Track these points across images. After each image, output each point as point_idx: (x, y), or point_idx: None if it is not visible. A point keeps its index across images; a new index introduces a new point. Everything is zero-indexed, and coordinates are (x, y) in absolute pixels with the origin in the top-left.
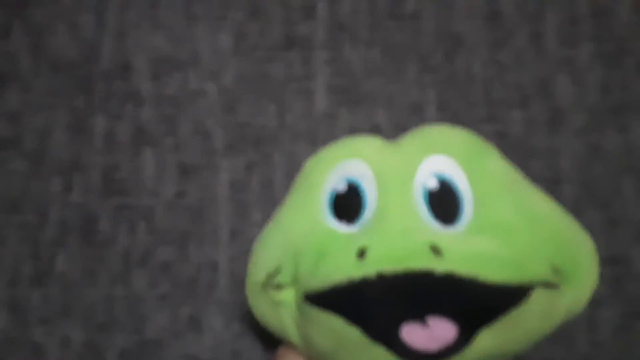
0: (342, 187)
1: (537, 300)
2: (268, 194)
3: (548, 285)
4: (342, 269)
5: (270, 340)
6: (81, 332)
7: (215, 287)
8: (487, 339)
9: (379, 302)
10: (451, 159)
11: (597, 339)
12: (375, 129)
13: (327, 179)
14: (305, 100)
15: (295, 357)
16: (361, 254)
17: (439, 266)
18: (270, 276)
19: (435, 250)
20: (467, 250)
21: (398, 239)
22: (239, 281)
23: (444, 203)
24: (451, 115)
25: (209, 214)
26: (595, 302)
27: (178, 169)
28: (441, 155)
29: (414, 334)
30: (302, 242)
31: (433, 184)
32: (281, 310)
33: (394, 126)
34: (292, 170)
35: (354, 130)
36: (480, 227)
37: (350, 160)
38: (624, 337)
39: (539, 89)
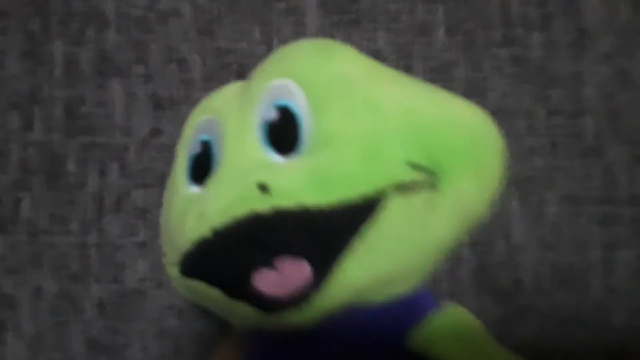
0: (197, 149)
1: (395, 207)
2: None
3: (405, 186)
4: (186, 235)
5: None
6: (54, 282)
7: None
8: (350, 267)
9: (221, 258)
10: (289, 80)
11: (612, 284)
12: (375, 55)
13: (188, 143)
14: (295, 21)
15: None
16: (200, 214)
17: (263, 205)
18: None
19: (263, 188)
20: (292, 179)
21: (227, 187)
22: None
23: (283, 132)
24: (463, 37)
25: None
26: (612, 244)
27: (151, 102)
28: (281, 79)
29: (266, 281)
30: (169, 215)
31: (272, 114)
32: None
33: (396, 51)
34: None
35: None
36: (315, 146)
37: (203, 119)
38: None
39: (562, 7)
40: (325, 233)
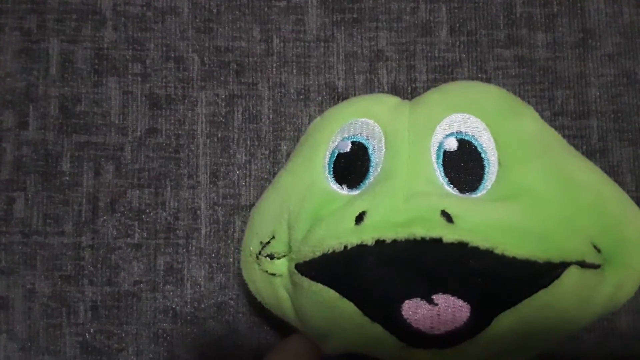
0: (346, 147)
1: (570, 282)
2: (253, 130)
3: (585, 265)
4: (337, 234)
5: None
6: (47, 283)
7: (195, 236)
8: (507, 324)
9: (376, 273)
10: (476, 118)
11: None
12: (376, 55)
13: (332, 138)
14: (295, 20)
15: (302, 341)
16: (359, 218)
17: (449, 234)
18: (264, 245)
19: (446, 216)
20: (484, 218)
21: (402, 202)
22: (222, 229)
23: (463, 166)
24: (466, 37)
25: (185, 153)
26: None
27: (148, 101)
28: (465, 113)
29: (417, 313)
30: (298, 206)
31: (452, 144)
32: (275, 283)
33: (399, 51)
34: (279, 103)
35: (351, 56)
36: (504, 194)
37: (358, 120)
38: None
39: (567, 8)
40: (502, 283)
